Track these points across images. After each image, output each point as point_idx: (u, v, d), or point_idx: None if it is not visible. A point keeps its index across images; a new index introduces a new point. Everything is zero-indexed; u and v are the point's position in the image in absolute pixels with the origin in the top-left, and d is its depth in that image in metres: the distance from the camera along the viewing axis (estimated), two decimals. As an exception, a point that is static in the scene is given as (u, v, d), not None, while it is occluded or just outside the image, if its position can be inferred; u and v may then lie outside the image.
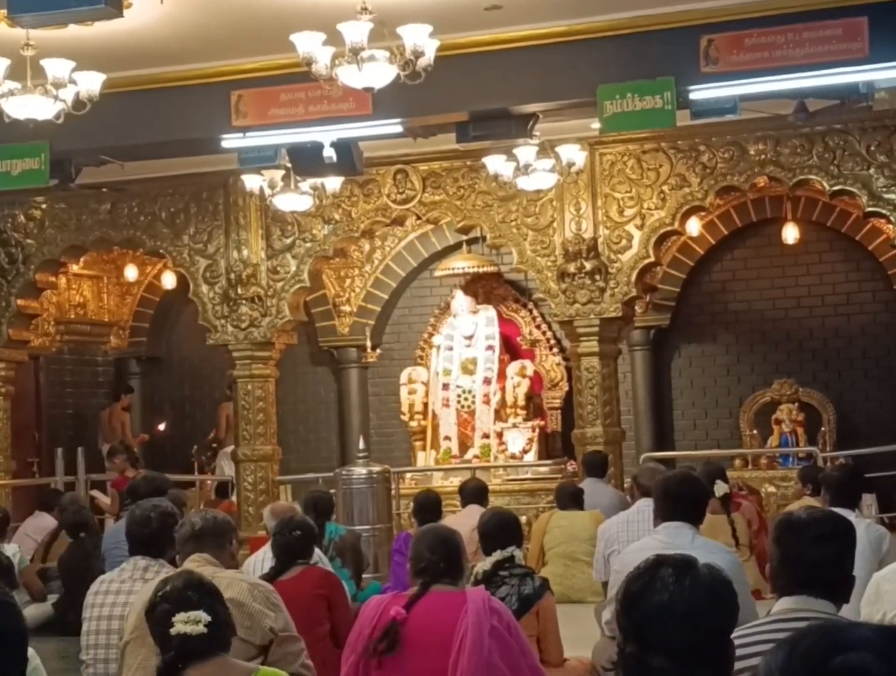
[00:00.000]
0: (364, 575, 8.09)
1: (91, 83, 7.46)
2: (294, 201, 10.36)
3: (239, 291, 11.75)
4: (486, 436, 12.50)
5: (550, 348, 13.30)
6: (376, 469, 9.85)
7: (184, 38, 8.49)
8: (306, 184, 10.26)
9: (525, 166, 9.86)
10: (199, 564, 4.47)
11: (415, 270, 13.93)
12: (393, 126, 9.24)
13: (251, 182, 10.45)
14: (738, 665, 2.61)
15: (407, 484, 11.93)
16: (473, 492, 9.03)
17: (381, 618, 4.27)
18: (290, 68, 8.27)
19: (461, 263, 13.22)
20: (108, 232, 12.16)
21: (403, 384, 13.05)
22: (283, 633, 4.56)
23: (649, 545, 4.77)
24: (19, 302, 12.40)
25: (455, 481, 11.05)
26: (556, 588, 6.10)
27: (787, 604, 3.25)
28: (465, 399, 12.66)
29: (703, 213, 11.91)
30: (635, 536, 6.57)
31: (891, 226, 11.40)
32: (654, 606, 2.47)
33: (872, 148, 10.45)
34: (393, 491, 10.39)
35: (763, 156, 10.71)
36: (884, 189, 10.39)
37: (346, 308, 13.96)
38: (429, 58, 7.01)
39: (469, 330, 12.97)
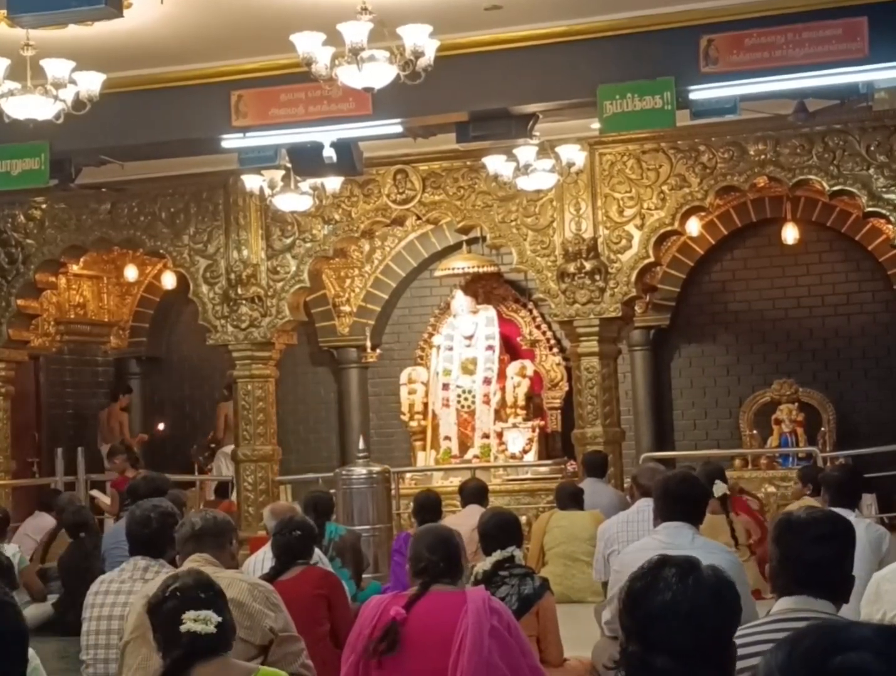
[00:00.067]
0: (364, 575, 8.09)
1: (91, 83, 7.45)
2: (294, 201, 10.35)
3: (239, 291, 11.75)
4: (486, 436, 12.50)
5: (550, 348, 13.30)
6: (376, 469, 9.85)
7: (184, 38, 8.49)
8: (306, 185, 10.26)
9: (525, 166, 9.86)
10: (199, 564, 4.46)
11: (415, 270, 13.93)
12: (393, 126, 9.24)
13: (251, 182, 10.45)
14: (738, 665, 2.62)
15: (407, 484, 11.92)
16: (473, 492, 9.03)
17: (381, 618, 4.27)
18: (290, 68, 8.26)
19: (461, 263, 13.22)
20: (108, 232, 12.16)
21: (403, 384, 13.05)
22: (283, 633, 4.56)
23: (649, 545, 4.77)
24: (19, 302, 12.39)
25: (455, 481, 11.05)
26: (556, 588, 6.10)
27: (786, 604, 3.25)
28: (465, 399, 12.66)
29: (702, 213, 11.91)
30: (635, 536, 6.57)
31: (891, 226, 11.39)
32: (657, 606, 2.47)
33: (872, 148, 10.45)
34: (393, 491, 10.39)
35: (763, 157, 10.71)
36: (883, 189, 10.39)
37: (346, 308, 13.96)
38: (429, 58, 7.01)
39: (469, 330, 12.97)
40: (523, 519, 9.25)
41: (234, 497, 12.32)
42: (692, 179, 10.88)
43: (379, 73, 6.99)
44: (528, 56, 8.69)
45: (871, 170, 10.44)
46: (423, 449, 12.84)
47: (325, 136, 9.11)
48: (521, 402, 12.49)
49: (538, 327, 13.34)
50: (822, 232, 13.13)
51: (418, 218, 12.25)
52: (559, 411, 13.09)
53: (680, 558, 2.59)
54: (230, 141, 9.34)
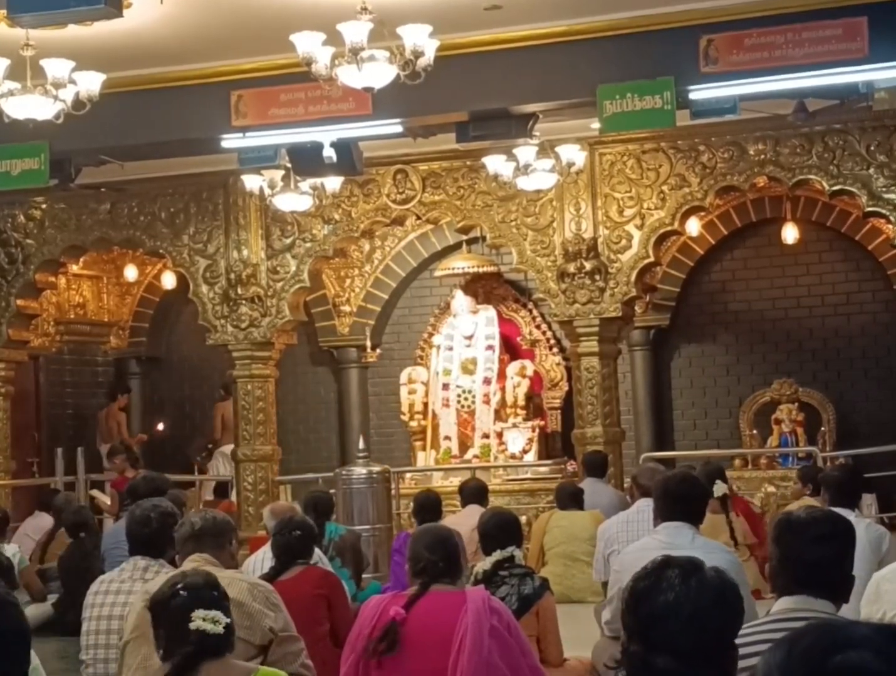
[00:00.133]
0: (364, 575, 8.09)
1: (91, 83, 7.45)
2: (294, 201, 10.35)
3: (239, 291, 11.75)
4: (486, 436, 12.50)
5: (550, 348, 13.30)
6: (376, 469, 9.85)
7: (184, 38, 8.49)
8: (306, 184, 10.26)
9: (525, 166, 9.86)
10: (198, 564, 4.46)
11: (415, 270, 13.93)
12: (393, 126, 9.24)
13: (251, 182, 10.45)
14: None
15: (407, 484, 11.92)
16: (473, 492, 9.04)
17: (380, 618, 4.27)
18: (290, 68, 8.26)
19: (461, 263, 13.22)
20: (107, 232, 12.16)
21: (403, 384, 13.05)
22: (282, 633, 4.56)
23: (649, 545, 4.77)
24: (19, 302, 12.39)
25: (455, 481, 11.05)
26: (556, 588, 6.10)
27: (786, 604, 3.25)
28: (465, 399, 12.66)
29: (702, 213, 11.91)
30: (635, 536, 6.57)
31: (890, 226, 11.39)
32: (659, 606, 2.48)
33: (872, 148, 10.45)
34: (393, 491, 10.39)
35: (763, 156, 10.71)
36: (883, 189, 10.39)
37: (346, 308, 13.96)
38: (429, 58, 7.01)
39: (469, 330, 12.97)
40: (523, 519, 9.25)
41: (233, 497, 12.32)
42: (692, 179, 10.88)
43: (379, 73, 6.99)
44: (528, 56, 8.69)
45: (871, 170, 10.44)
46: (423, 449, 12.84)
47: (325, 136, 9.11)
48: (521, 402, 12.49)
49: (538, 327, 13.34)
50: (822, 232, 13.13)
51: (418, 218, 12.25)
52: (559, 411, 13.09)
53: (683, 559, 2.60)
54: (230, 141, 9.34)
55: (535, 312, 13.36)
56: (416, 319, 14.10)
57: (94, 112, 7.55)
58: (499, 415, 12.57)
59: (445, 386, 12.77)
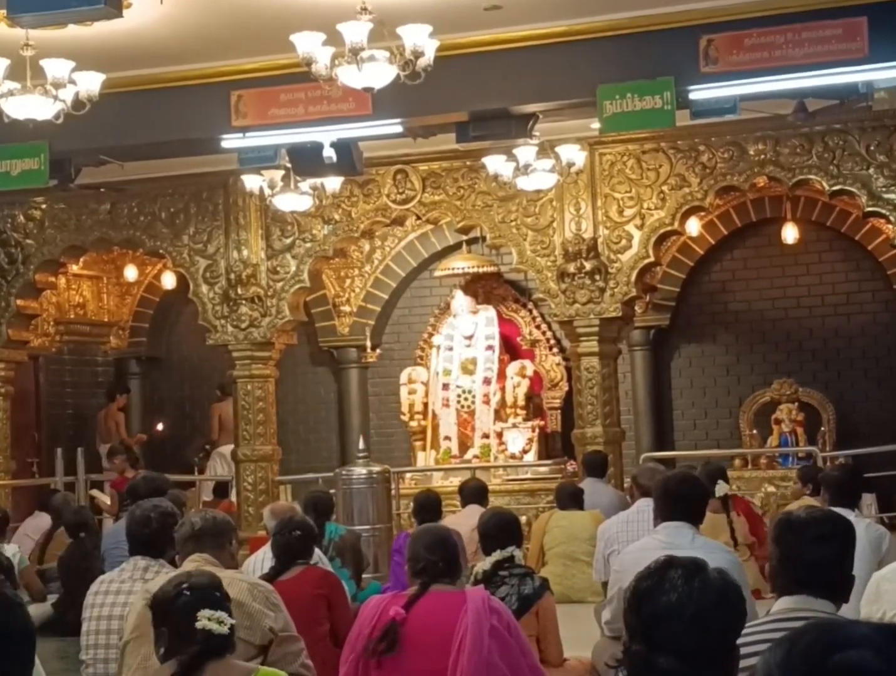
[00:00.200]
0: (364, 575, 8.09)
1: (91, 83, 7.45)
2: (294, 201, 10.35)
3: (239, 291, 11.75)
4: (486, 436, 12.50)
5: (550, 348, 13.30)
6: (376, 469, 9.85)
7: (184, 38, 8.49)
8: (306, 185, 10.26)
9: (525, 166, 9.86)
10: (198, 564, 4.46)
11: (415, 270, 13.93)
12: (393, 126, 9.24)
13: (251, 182, 10.45)
14: (736, 665, 2.62)
15: (407, 484, 11.92)
16: (473, 492, 9.04)
17: (380, 618, 4.27)
18: (290, 68, 8.26)
19: (461, 263, 13.22)
20: (107, 232, 12.16)
21: (403, 384, 13.05)
22: (282, 633, 4.56)
23: (649, 545, 4.77)
24: (19, 302, 12.39)
25: (455, 481, 11.05)
26: (556, 588, 6.10)
27: (786, 604, 3.25)
28: (465, 399, 12.66)
29: (702, 213, 11.91)
30: (635, 536, 6.57)
31: (890, 226, 11.39)
32: (662, 606, 2.47)
33: (872, 148, 10.45)
34: (393, 491, 10.39)
35: (763, 156, 10.71)
36: (883, 189, 10.39)
37: (346, 308, 13.96)
38: (429, 58, 7.01)
39: (469, 330, 12.97)
40: (523, 519, 9.25)
41: (233, 497, 12.32)
42: (692, 179, 10.88)
43: (379, 73, 6.99)
44: (528, 56, 8.69)
45: (871, 170, 10.44)
46: (423, 449, 12.84)
47: (325, 136, 9.11)
48: (521, 402, 12.49)
49: (538, 327, 13.34)
50: (822, 231, 13.13)
51: (418, 218, 12.25)
52: (559, 411, 13.09)
53: (686, 559, 2.59)
54: (230, 141, 9.34)
55: (535, 312, 13.36)
56: (416, 319, 14.10)
57: (94, 112, 7.55)
58: (499, 415, 12.57)
59: (445, 387, 12.77)
